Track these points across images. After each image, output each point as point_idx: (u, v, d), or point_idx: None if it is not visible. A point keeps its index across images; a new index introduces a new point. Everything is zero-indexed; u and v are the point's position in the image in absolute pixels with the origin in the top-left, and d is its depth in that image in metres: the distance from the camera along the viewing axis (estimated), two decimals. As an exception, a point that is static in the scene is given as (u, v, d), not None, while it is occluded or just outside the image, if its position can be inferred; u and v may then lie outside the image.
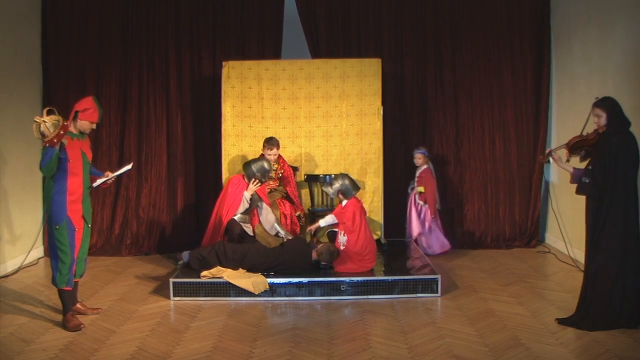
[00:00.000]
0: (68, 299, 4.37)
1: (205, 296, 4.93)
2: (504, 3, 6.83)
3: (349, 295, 4.94)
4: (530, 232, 6.87)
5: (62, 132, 4.11)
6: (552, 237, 6.83)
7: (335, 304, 4.85)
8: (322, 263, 5.18)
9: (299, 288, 4.95)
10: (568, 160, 4.37)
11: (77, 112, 4.36)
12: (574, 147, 4.31)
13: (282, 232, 5.74)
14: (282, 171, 6.09)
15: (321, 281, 4.98)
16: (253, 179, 5.65)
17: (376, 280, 5.01)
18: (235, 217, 5.63)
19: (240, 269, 5.07)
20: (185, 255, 5.33)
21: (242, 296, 4.90)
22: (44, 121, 4.15)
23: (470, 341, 3.99)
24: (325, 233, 5.85)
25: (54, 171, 4.21)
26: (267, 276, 4.99)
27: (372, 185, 6.41)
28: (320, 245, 5.33)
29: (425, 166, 6.51)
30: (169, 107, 6.82)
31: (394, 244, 6.35)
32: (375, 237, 5.70)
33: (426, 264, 5.38)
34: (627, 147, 4.01)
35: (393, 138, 6.86)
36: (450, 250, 6.47)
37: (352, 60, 6.48)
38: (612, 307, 4.07)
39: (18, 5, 6.23)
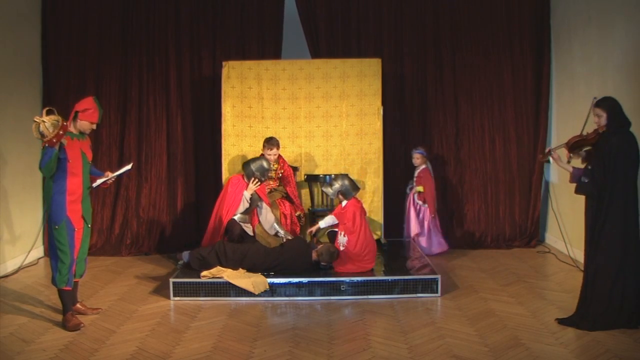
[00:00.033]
0: (68, 299, 4.37)
1: (205, 296, 4.93)
2: (504, 3, 6.83)
3: (349, 295, 4.94)
4: (530, 232, 6.87)
5: (61, 132, 4.10)
6: (552, 237, 6.83)
7: (335, 304, 4.85)
8: (322, 263, 5.18)
9: (299, 288, 4.95)
10: (569, 162, 4.37)
11: (77, 112, 4.36)
12: (573, 147, 4.31)
13: (281, 232, 5.74)
14: (282, 171, 6.09)
15: (321, 281, 4.98)
16: (253, 179, 5.65)
17: (376, 280, 5.01)
18: (235, 217, 5.63)
19: (240, 269, 5.07)
20: (185, 255, 5.33)
21: (242, 296, 4.90)
22: (43, 121, 4.15)
23: (470, 341, 3.99)
24: (326, 233, 5.85)
25: (53, 171, 4.21)
26: (267, 276, 4.99)
27: (372, 185, 6.41)
28: (321, 245, 5.32)
29: (423, 166, 6.52)
30: (169, 107, 6.82)
31: (394, 244, 6.35)
32: (375, 237, 5.70)
33: (426, 264, 5.38)
34: (627, 147, 4.01)
35: (393, 138, 6.87)
36: (447, 251, 6.47)
37: (352, 60, 6.48)
38: (612, 307, 4.06)
39: (18, 5, 6.23)
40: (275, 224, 5.76)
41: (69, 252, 4.27)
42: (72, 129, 4.36)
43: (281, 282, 4.96)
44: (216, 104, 6.52)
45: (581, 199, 4.27)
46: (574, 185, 4.25)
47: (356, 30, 6.91)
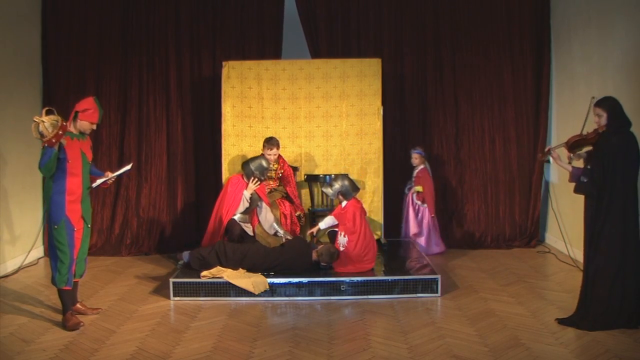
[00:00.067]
0: (67, 299, 4.37)
1: (205, 296, 4.93)
2: (504, 3, 6.83)
3: (349, 295, 4.94)
4: (530, 232, 6.87)
5: (60, 132, 4.10)
6: (552, 237, 6.83)
7: (335, 304, 4.85)
8: (322, 264, 5.18)
9: (299, 288, 4.95)
10: (570, 163, 4.36)
11: (77, 112, 4.36)
12: (573, 146, 4.31)
13: (280, 232, 5.74)
14: (282, 171, 6.09)
15: (321, 281, 4.98)
16: (252, 178, 5.66)
17: (376, 280, 5.00)
18: (235, 217, 5.63)
19: (240, 269, 5.07)
20: (186, 255, 5.33)
21: (242, 296, 4.90)
22: (43, 121, 4.14)
23: (470, 341, 3.99)
24: (326, 233, 5.85)
25: (52, 171, 4.21)
26: (267, 276, 4.99)
27: (372, 185, 6.41)
28: (321, 246, 5.32)
29: (422, 166, 6.53)
30: (169, 107, 6.82)
31: (394, 244, 6.35)
32: (375, 237, 5.69)
33: (426, 264, 5.38)
34: (627, 147, 4.00)
35: (393, 138, 6.87)
36: (445, 252, 6.47)
37: (352, 60, 6.48)
38: (612, 307, 4.06)
39: (18, 5, 6.23)
40: (275, 224, 5.76)
41: (68, 252, 4.27)
42: (72, 129, 4.36)
43: (281, 282, 4.95)
44: (216, 104, 6.52)
45: (581, 198, 4.27)
46: (573, 184, 4.25)
47: (356, 30, 6.91)
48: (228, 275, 4.95)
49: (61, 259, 4.26)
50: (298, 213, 6.07)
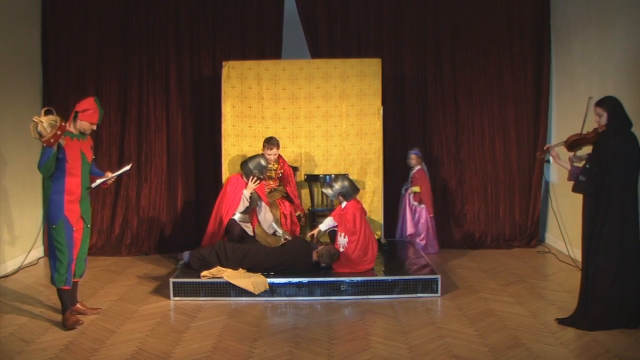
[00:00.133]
0: (67, 298, 4.37)
1: (205, 296, 4.93)
2: (504, 3, 6.83)
3: (349, 295, 4.94)
4: (530, 232, 6.87)
5: (59, 132, 4.09)
6: (552, 237, 6.83)
7: (335, 304, 4.84)
8: (322, 264, 5.18)
9: (299, 288, 4.95)
10: (572, 164, 4.36)
11: (77, 112, 4.36)
12: (572, 145, 4.32)
13: (279, 232, 5.74)
14: (282, 171, 6.09)
15: (321, 281, 4.98)
16: (251, 177, 5.66)
17: (376, 280, 5.00)
18: (235, 217, 5.63)
19: (240, 269, 5.07)
20: (186, 255, 5.33)
21: (242, 296, 4.90)
22: (41, 121, 4.13)
23: (470, 341, 3.99)
24: (326, 233, 5.85)
25: (51, 171, 4.21)
26: (267, 276, 4.98)
27: (372, 185, 6.41)
28: (321, 247, 5.32)
29: (419, 167, 6.55)
30: (169, 107, 6.82)
31: (394, 243, 6.35)
32: (375, 237, 5.69)
33: (426, 264, 5.38)
34: (627, 147, 3.99)
35: (393, 138, 6.87)
36: (438, 252, 6.48)
37: (352, 60, 6.48)
38: (611, 307, 4.06)
39: (18, 5, 6.23)
40: (274, 224, 5.76)
41: (67, 251, 4.27)
42: (72, 129, 4.36)
43: (281, 282, 4.95)
44: (216, 104, 6.52)
45: (580, 198, 4.26)
46: (571, 183, 4.25)
47: (356, 30, 6.91)
48: (228, 275, 4.94)
49: (60, 259, 4.26)
50: (298, 213, 6.07)
